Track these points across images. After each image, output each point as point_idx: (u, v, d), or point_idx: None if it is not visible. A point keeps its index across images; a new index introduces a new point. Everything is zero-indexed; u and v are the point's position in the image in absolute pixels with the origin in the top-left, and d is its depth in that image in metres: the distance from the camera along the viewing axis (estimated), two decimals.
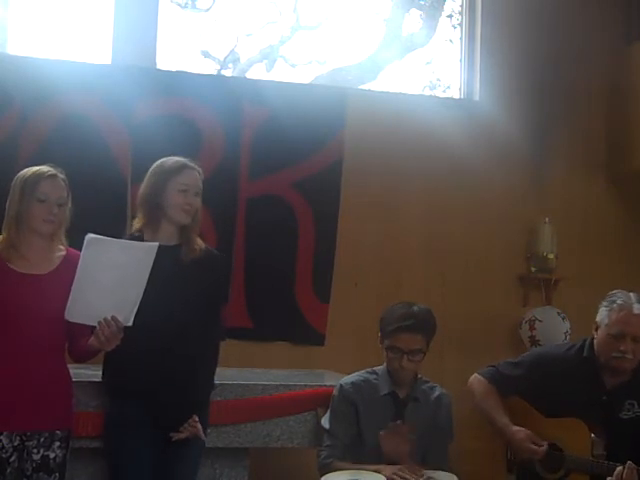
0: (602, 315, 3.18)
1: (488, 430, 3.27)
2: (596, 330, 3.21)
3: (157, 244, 2.77)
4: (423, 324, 3.10)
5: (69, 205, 2.88)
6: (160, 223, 3.05)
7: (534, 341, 4.77)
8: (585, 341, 3.27)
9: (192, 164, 3.10)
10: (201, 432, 2.98)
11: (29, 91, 4.24)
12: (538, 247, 5.01)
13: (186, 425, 2.94)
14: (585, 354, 3.22)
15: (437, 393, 3.22)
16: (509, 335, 4.95)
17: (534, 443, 3.13)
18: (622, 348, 3.10)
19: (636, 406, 3.15)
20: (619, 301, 3.15)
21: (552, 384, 3.20)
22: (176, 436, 2.93)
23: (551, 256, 5.00)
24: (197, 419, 2.96)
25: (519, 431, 3.15)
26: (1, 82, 4.23)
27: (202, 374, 3.04)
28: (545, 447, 3.12)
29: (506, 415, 3.23)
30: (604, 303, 3.20)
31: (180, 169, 3.06)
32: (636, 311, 3.10)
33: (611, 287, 3.29)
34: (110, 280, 2.71)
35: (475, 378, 3.38)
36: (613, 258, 5.11)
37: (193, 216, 3.07)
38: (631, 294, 3.17)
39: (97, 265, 2.69)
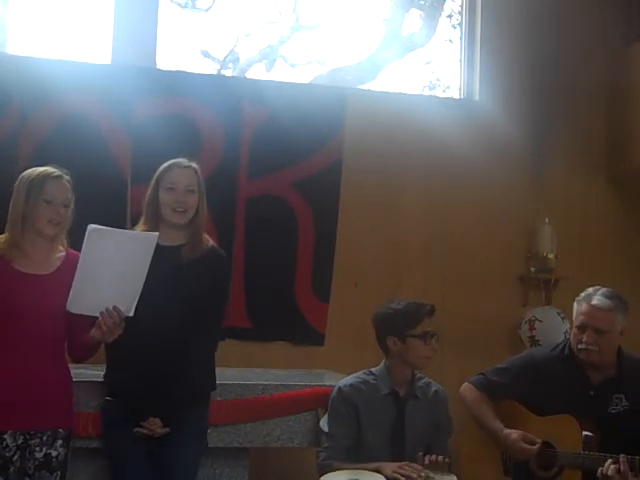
0: (573, 310, 3.24)
1: (483, 434, 3.27)
2: None
3: (157, 234, 2.78)
4: None
5: (72, 206, 2.88)
6: (159, 226, 3.05)
7: (534, 341, 4.76)
8: (568, 339, 3.29)
9: (185, 163, 3.10)
10: (154, 433, 2.95)
11: (29, 91, 4.24)
12: (538, 247, 5.01)
13: (143, 424, 2.93)
14: (566, 352, 3.24)
15: (434, 389, 3.23)
16: (509, 335, 4.95)
17: (528, 442, 3.13)
18: (584, 339, 3.11)
19: (624, 400, 3.15)
20: (584, 294, 3.20)
21: (541, 386, 3.21)
22: (135, 430, 2.94)
23: (551, 256, 5.00)
24: (157, 421, 2.93)
25: (512, 432, 3.15)
26: (1, 82, 4.23)
27: (201, 372, 3.04)
28: (538, 445, 3.12)
29: (497, 419, 3.23)
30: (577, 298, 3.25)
31: (167, 168, 3.08)
32: (594, 302, 3.12)
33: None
34: (112, 270, 2.71)
35: (465, 387, 3.39)
36: (613, 258, 5.11)
37: (190, 214, 3.05)
38: (602, 289, 3.18)
39: (99, 256, 2.69)
